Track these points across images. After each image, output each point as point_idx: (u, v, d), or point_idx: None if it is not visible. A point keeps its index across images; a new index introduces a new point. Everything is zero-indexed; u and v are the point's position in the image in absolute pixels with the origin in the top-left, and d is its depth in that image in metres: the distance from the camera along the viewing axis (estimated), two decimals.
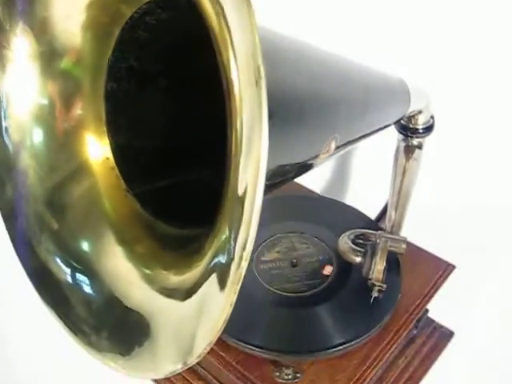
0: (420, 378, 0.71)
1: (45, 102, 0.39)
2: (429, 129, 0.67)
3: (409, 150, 0.68)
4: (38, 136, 0.39)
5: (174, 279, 0.35)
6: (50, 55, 0.38)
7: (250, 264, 0.58)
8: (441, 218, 0.91)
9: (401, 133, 0.67)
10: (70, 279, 0.38)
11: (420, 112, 0.65)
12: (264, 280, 0.62)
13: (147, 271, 0.37)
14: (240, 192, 0.28)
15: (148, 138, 0.47)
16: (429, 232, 0.79)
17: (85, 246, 0.39)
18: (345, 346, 0.54)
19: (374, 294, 0.57)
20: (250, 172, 0.27)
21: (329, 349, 0.54)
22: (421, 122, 0.66)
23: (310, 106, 0.39)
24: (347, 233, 0.61)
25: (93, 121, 0.42)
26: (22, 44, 0.38)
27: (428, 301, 0.62)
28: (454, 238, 0.84)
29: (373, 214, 0.75)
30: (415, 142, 0.67)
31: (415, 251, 0.68)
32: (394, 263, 0.62)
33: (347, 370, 0.55)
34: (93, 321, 0.37)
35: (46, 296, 0.40)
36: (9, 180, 0.38)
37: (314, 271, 0.62)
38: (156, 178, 0.46)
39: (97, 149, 0.43)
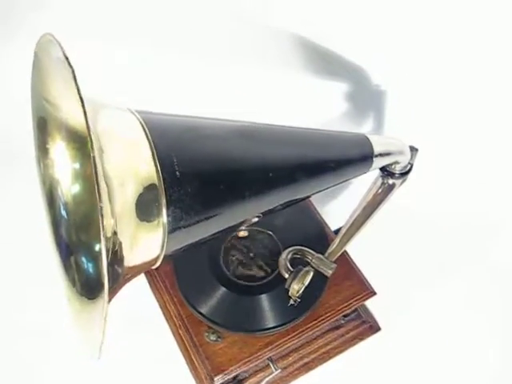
0: (336, 355, 0.91)
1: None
2: (404, 174, 0.76)
3: (380, 187, 0.77)
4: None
5: None
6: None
7: (219, 251, 0.78)
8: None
9: (380, 169, 0.75)
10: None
11: (397, 163, 0.74)
12: (226, 266, 0.81)
13: None
14: None
15: None
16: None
17: None
18: (251, 333, 0.76)
19: (291, 302, 0.76)
20: None
21: (241, 331, 0.76)
22: (398, 169, 0.75)
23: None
24: (290, 248, 0.78)
25: None
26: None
27: (337, 315, 0.80)
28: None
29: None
30: (390, 181, 0.76)
31: (349, 268, 0.84)
32: (322, 279, 0.79)
33: (252, 348, 0.76)
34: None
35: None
36: None
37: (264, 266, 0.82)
38: None
39: None
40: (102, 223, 0.41)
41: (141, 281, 0.90)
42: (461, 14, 0.86)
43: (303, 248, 0.78)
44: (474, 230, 1.05)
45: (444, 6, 0.86)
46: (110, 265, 0.44)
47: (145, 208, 0.48)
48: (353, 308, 0.81)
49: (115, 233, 0.44)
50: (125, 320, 0.91)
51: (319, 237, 0.85)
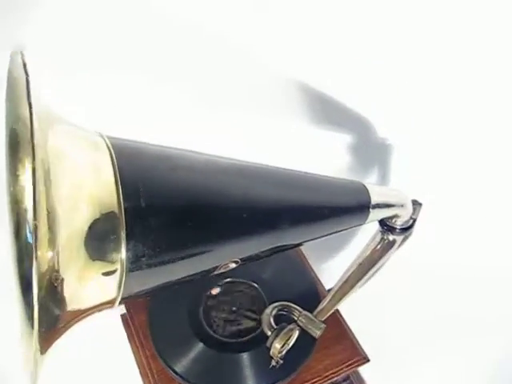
0: None
1: None
2: (406, 229, 0.70)
3: (379, 242, 0.70)
4: None
5: None
6: None
7: (198, 305, 0.71)
8: None
9: (379, 223, 0.70)
10: None
11: (397, 216, 0.68)
12: (206, 321, 0.74)
13: None
14: None
15: None
16: None
17: None
18: None
19: (273, 363, 0.69)
20: None
21: None
22: (399, 223, 0.69)
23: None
24: (276, 303, 0.71)
25: None
26: None
27: (325, 382, 0.71)
28: None
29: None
30: (390, 237, 0.70)
31: (340, 330, 0.76)
32: (310, 340, 0.71)
33: None
34: None
35: None
36: None
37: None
38: None
39: None
40: (36, 249, 0.35)
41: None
42: (469, 65, 0.83)
43: (290, 304, 0.71)
44: (476, 287, 0.98)
45: (452, 58, 0.83)
46: (44, 304, 0.38)
47: (99, 240, 0.42)
48: (343, 375, 0.73)
49: (55, 268, 0.38)
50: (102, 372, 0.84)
51: (310, 293, 0.78)
